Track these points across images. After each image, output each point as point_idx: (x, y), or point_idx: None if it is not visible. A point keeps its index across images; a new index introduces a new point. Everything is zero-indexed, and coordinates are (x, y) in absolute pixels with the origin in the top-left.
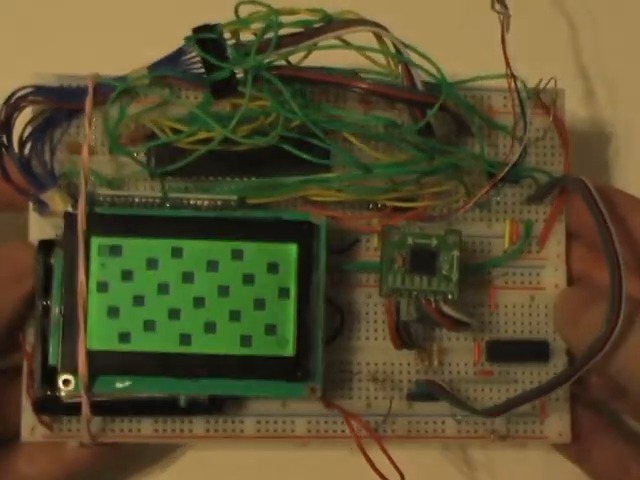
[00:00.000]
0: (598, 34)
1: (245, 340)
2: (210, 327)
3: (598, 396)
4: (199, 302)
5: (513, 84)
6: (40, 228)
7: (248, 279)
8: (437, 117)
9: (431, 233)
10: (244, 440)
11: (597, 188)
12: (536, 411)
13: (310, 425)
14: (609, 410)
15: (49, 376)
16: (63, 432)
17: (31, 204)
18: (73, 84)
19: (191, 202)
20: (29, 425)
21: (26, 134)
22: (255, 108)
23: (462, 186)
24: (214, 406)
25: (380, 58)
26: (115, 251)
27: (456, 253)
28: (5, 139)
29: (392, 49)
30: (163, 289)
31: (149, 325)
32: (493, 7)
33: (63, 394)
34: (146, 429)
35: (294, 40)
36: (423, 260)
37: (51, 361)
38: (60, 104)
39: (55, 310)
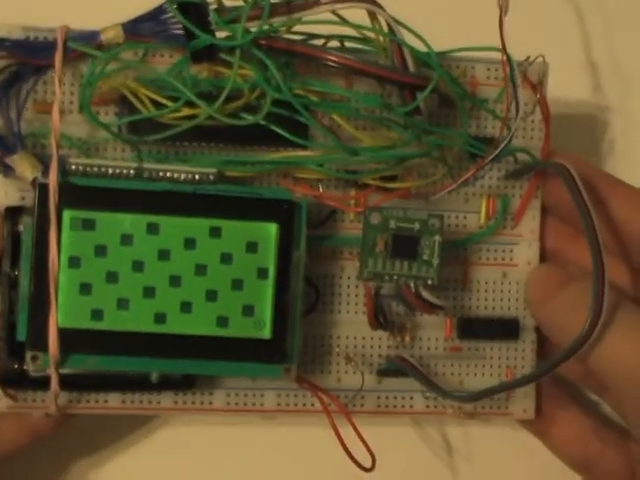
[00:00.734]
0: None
1: (222, 321)
2: (186, 307)
3: (566, 376)
4: (175, 281)
5: (508, 69)
6: (5, 191)
7: (226, 258)
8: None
9: (413, 217)
10: (213, 413)
11: (578, 170)
12: None
13: (280, 399)
14: (572, 386)
15: (16, 350)
16: (28, 403)
17: None
18: (41, 37)
19: (167, 174)
20: None
21: None
22: (239, 81)
23: (444, 165)
24: (186, 382)
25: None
26: (88, 225)
27: (438, 238)
28: None
29: (385, 27)
30: (138, 266)
31: (123, 303)
32: None
33: (31, 369)
34: (114, 401)
35: (285, 10)
36: (405, 245)
37: (19, 337)
38: (27, 59)
39: (24, 283)
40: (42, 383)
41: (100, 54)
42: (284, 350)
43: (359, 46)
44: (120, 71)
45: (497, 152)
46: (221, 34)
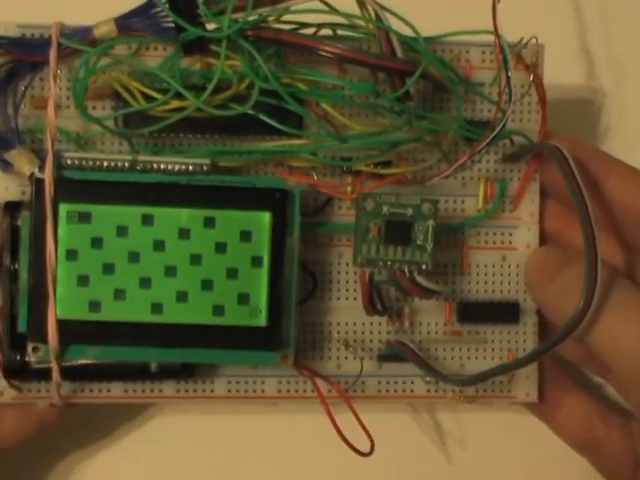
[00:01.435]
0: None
1: (217, 310)
2: (182, 296)
3: (568, 358)
4: (171, 271)
5: (500, 55)
6: (5, 187)
7: (221, 248)
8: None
9: (406, 203)
10: (214, 400)
11: (573, 151)
12: None
13: (281, 385)
14: (576, 369)
15: (18, 341)
16: (32, 393)
17: None
18: (36, 34)
19: (162, 166)
20: None
21: None
22: (228, 71)
23: (438, 150)
24: (186, 371)
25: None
26: (84, 218)
27: (431, 223)
28: None
29: (372, 13)
30: (133, 257)
31: (120, 294)
32: None
33: (33, 360)
34: (116, 390)
35: (271, 1)
36: (398, 231)
37: (20, 329)
38: (23, 56)
39: (23, 276)
40: (45, 374)
41: (90, 49)
42: (280, 337)
43: (349, 34)
44: (114, 66)
45: (492, 137)
46: (212, 26)
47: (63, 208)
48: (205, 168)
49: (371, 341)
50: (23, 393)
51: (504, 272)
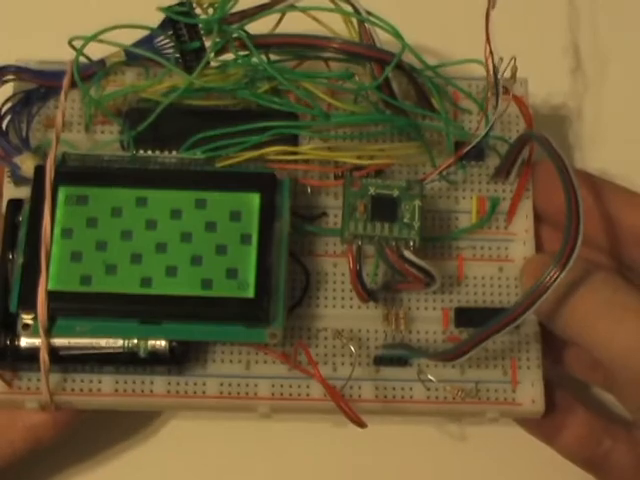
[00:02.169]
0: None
1: (206, 283)
2: (171, 271)
3: (569, 369)
4: (161, 247)
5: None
6: (12, 188)
7: (211, 226)
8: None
9: (392, 184)
10: (206, 401)
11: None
12: (507, 378)
13: (274, 389)
14: (579, 386)
15: (9, 325)
16: (22, 390)
17: (6, 173)
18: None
19: (159, 160)
20: None
21: (5, 109)
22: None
23: (425, 150)
24: (174, 358)
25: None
26: (81, 200)
27: (418, 203)
28: None
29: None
30: (126, 235)
31: (110, 269)
32: None
33: (22, 337)
34: (106, 387)
35: (256, 11)
36: (385, 207)
37: (12, 308)
38: (41, 81)
39: (19, 261)
40: (33, 359)
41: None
42: (267, 309)
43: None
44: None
45: (479, 139)
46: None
47: (62, 191)
48: (201, 162)
49: (368, 347)
50: (12, 389)
51: (502, 283)
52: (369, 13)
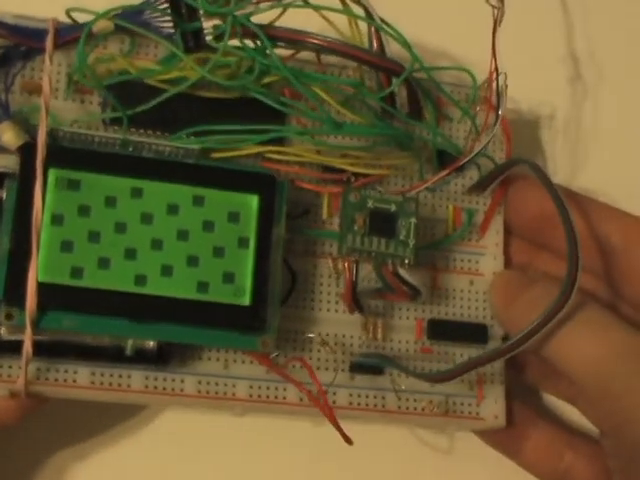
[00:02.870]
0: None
1: (202, 286)
2: (167, 270)
3: (532, 379)
4: (157, 244)
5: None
6: None
7: (208, 226)
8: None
9: (390, 198)
10: (183, 398)
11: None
12: (473, 392)
13: (252, 390)
14: (539, 399)
15: None
16: None
17: None
18: (32, 26)
19: (152, 147)
20: None
21: None
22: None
23: (415, 161)
24: (161, 357)
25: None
26: (73, 185)
27: (413, 220)
28: None
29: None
30: (120, 228)
31: (103, 263)
32: (488, 1)
33: (3, 329)
34: (82, 379)
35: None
36: (383, 223)
37: None
38: (20, 40)
39: (4, 241)
40: (11, 349)
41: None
42: (263, 318)
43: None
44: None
45: (473, 154)
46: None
47: (52, 173)
48: (196, 153)
49: (343, 353)
50: None
51: (472, 297)
52: (382, 20)
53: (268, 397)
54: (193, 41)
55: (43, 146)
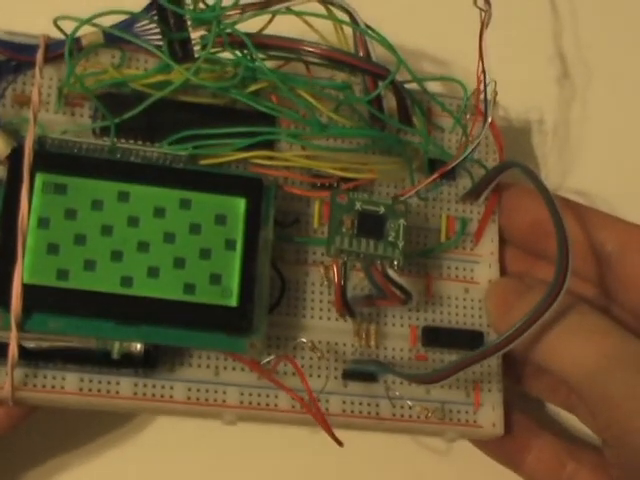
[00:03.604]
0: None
1: (188, 288)
2: (153, 272)
3: (531, 389)
4: (143, 246)
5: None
6: None
7: (195, 228)
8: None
9: (378, 200)
10: (172, 405)
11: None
12: (470, 400)
13: (242, 397)
14: (540, 409)
15: None
16: None
17: None
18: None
19: (140, 153)
20: None
21: None
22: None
23: (407, 167)
24: (148, 361)
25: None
26: (60, 189)
27: (403, 222)
28: None
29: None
30: (106, 230)
31: (89, 265)
32: (475, 3)
33: None
34: (71, 385)
35: (253, 7)
36: (371, 224)
37: None
38: (10, 54)
39: None
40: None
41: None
42: (251, 319)
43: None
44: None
45: (461, 158)
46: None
47: (39, 178)
48: (183, 159)
49: (336, 360)
50: None
51: (467, 305)
52: (367, 25)
53: (259, 404)
54: (181, 52)
55: (30, 151)
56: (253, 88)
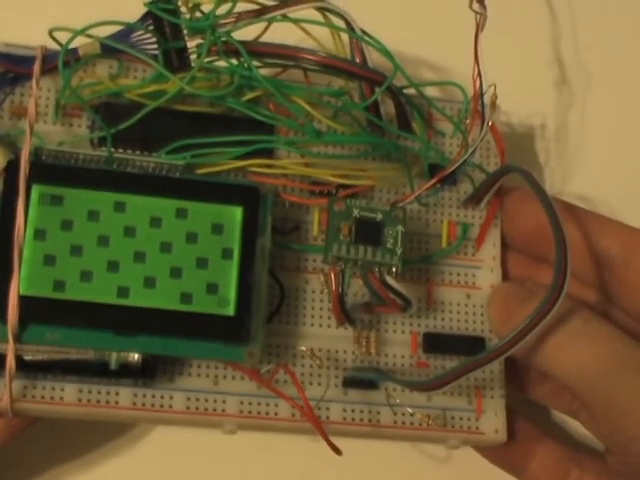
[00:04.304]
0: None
1: (185, 297)
2: (150, 282)
3: (535, 395)
4: (140, 256)
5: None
6: None
7: (191, 238)
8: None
9: (376, 207)
10: (172, 415)
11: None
12: (472, 407)
13: (242, 406)
14: (544, 416)
15: None
16: None
17: None
18: (21, 53)
19: (137, 163)
20: None
21: None
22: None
23: (406, 173)
24: (146, 372)
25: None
26: (56, 201)
27: (401, 228)
28: None
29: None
30: (103, 241)
31: (86, 275)
32: (471, 6)
33: None
34: (69, 396)
35: (249, 15)
36: (369, 231)
37: None
38: (8, 67)
39: None
40: None
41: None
42: (248, 328)
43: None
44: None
45: (460, 162)
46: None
47: (36, 189)
48: (180, 169)
49: (336, 368)
50: None
51: (469, 310)
52: (363, 31)
53: (259, 413)
54: (178, 61)
55: (26, 162)
56: (249, 96)
